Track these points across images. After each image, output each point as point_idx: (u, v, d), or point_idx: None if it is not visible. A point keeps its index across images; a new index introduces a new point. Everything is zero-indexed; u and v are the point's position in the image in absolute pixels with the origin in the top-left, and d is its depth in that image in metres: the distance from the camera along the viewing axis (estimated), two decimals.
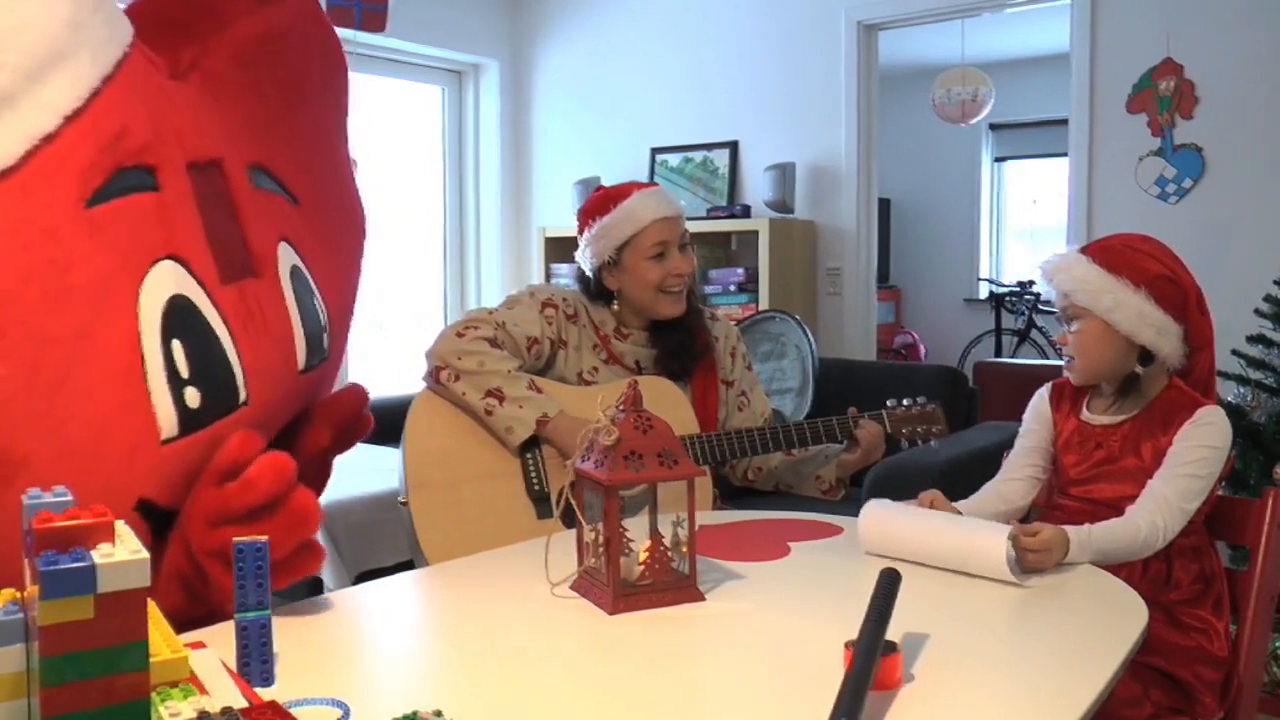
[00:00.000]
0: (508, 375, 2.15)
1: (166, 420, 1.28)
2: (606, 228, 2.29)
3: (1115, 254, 1.86)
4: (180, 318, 1.31)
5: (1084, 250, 1.90)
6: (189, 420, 1.31)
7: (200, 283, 1.35)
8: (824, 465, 2.32)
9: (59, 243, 1.21)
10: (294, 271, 1.53)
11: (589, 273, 2.35)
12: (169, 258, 1.32)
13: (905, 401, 2.26)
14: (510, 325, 2.23)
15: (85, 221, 1.23)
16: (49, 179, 1.20)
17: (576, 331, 2.33)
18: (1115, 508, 1.81)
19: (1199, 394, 1.88)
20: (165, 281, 1.30)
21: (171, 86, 1.43)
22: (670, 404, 2.22)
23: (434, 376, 2.19)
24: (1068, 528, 1.67)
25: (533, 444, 2.18)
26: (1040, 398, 2.04)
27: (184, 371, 1.30)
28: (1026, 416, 2.05)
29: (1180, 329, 1.84)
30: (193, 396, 1.30)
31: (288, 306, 1.49)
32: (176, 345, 1.30)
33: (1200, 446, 1.80)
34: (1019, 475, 1.99)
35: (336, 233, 1.69)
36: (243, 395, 1.38)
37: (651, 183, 2.37)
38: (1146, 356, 1.85)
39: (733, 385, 2.43)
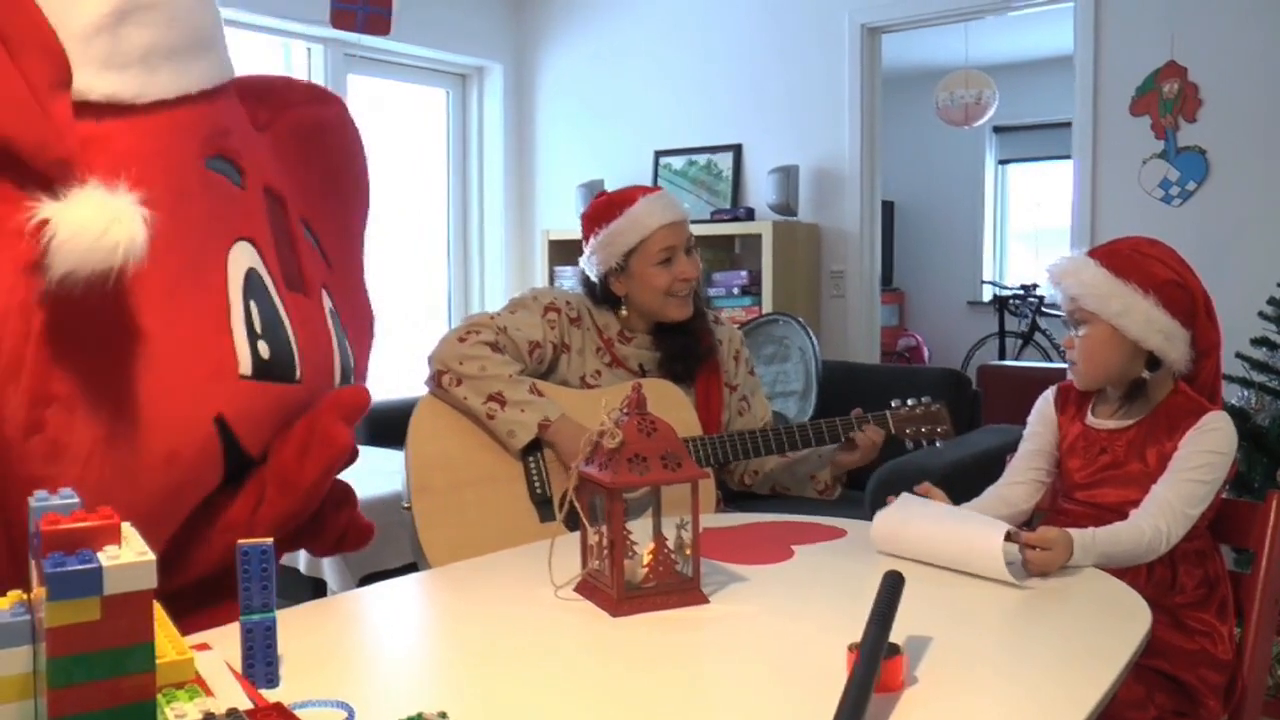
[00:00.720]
0: (509, 379, 2.16)
1: (244, 359, 1.47)
2: (612, 234, 2.29)
3: (1124, 258, 1.86)
4: (256, 287, 1.52)
5: (1092, 253, 1.90)
6: (261, 368, 1.50)
7: (268, 272, 1.56)
8: (819, 466, 2.32)
9: (186, 177, 1.46)
10: (331, 313, 1.72)
11: (595, 279, 2.35)
12: (248, 240, 1.54)
13: (910, 401, 2.26)
14: (512, 330, 2.23)
15: (203, 174, 1.49)
16: (186, 126, 1.47)
17: (580, 335, 2.33)
18: (1119, 513, 1.80)
19: (1205, 399, 1.88)
20: (245, 255, 1.52)
21: (253, 129, 1.70)
22: (673, 407, 2.22)
23: (436, 381, 2.19)
24: (1071, 530, 1.67)
25: (535, 448, 2.18)
26: (1045, 401, 2.03)
27: (259, 327, 1.50)
28: (1031, 420, 2.05)
29: (1188, 334, 1.84)
30: (264, 349, 1.50)
31: (330, 329, 1.68)
32: (253, 305, 1.50)
33: (1205, 452, 1.80)
34: (1023, 479, 1.99)
35: (355, 313, 1.87)
36: (298, 373, 1.56)
37: (654, 186, 2.36)
38: (1153, 361, 1.85)
39: (735, 389, 2.43)
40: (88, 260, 1.21)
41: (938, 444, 2.27)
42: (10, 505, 1.30)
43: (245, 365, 1.47)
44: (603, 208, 2.35)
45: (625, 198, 2.33)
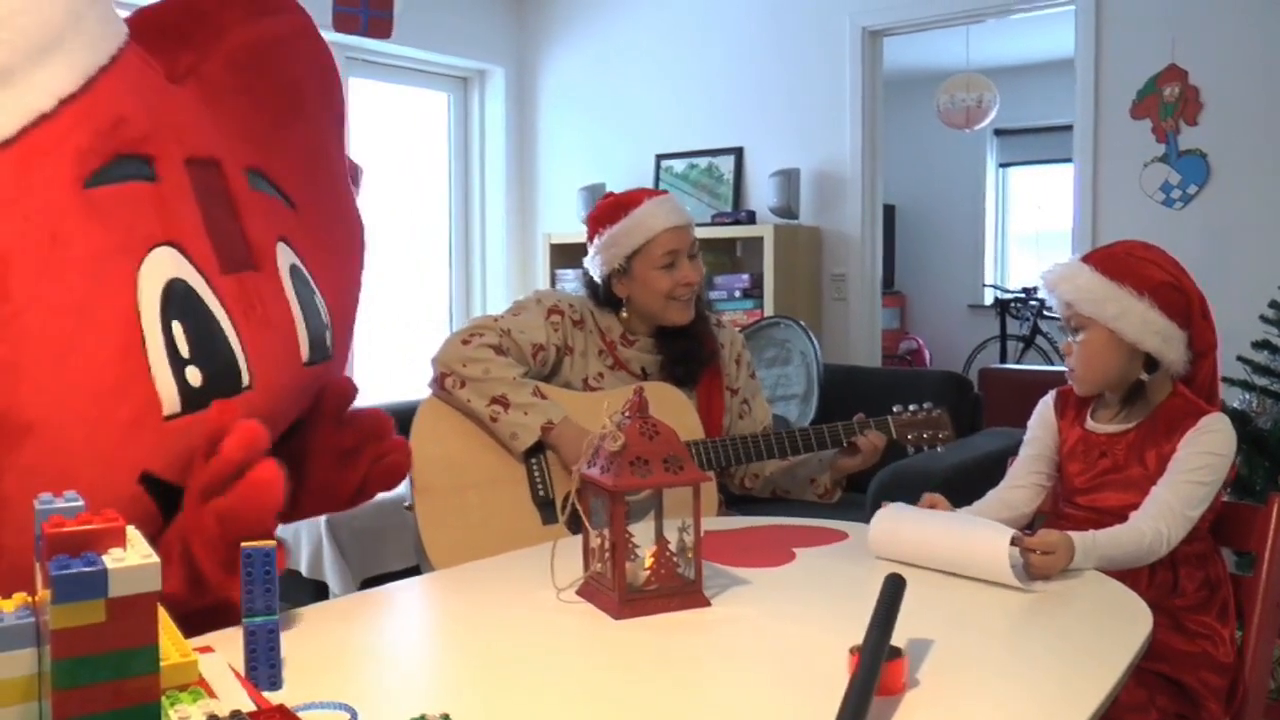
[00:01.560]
0: (513, 382, 2.16)
1: (168, 396, 1.31)
2: (616, 236, 2.29)
3: (1118, 262, 1.86)
4: (179, 300, 1.34)
5: (1086, 259, 1.90)
6: (191, 398, 1.33)
7: (199, 270, 1.38)
8: (819, 469, 2.33)
9: (56, 217, 1.24)
10: (293, 269, 1.56)
11: (598, 280, 2.35)
12: (167, 244, 1.35)
13: (911, 407, 2.26)
14: (516, 332, 2.23)
15: (83, 200, 1.26)
16: (45, 156, 1.23)
17: (583, 337, 2.33)
18: (1121, 517, 1.80)
19: (1203, 400, 1.88)
20: (163, 265, 1.33)
21: (169, 88, 1.47)
22: (675, 410, 2.22)
23: (439, 383, 2.19)
24: (1072, 533, 1.67)
25: (538, 450, 2.18)
26: (1045, 406, 2.04)
27: (184, 351, 1.32)
28: (1031, 424, 2.05)
29: (1184, 335, 1.85)
30: (194, 375, 1.33)
31: (288, 299, 1.52)
32: (176, 326, 1.32)
33: (1204, 453, 1.80)
34: (1024, 483, 2.00)
35: (335, 241, 1.72)
36: (246, 379, 1.41)
37: (660, 190, 2.37)
38: (1151, 364, 1.85)
39: (736, 393, 2.43)
40: None
41: (939, 449, 2.27)
42: None
43: (170, 403, 1.31)
44: (608, 209, 2.35)
45: (631, 199, 2.34)
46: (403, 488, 2.22)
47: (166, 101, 1.44)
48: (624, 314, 2.35)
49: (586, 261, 2.39)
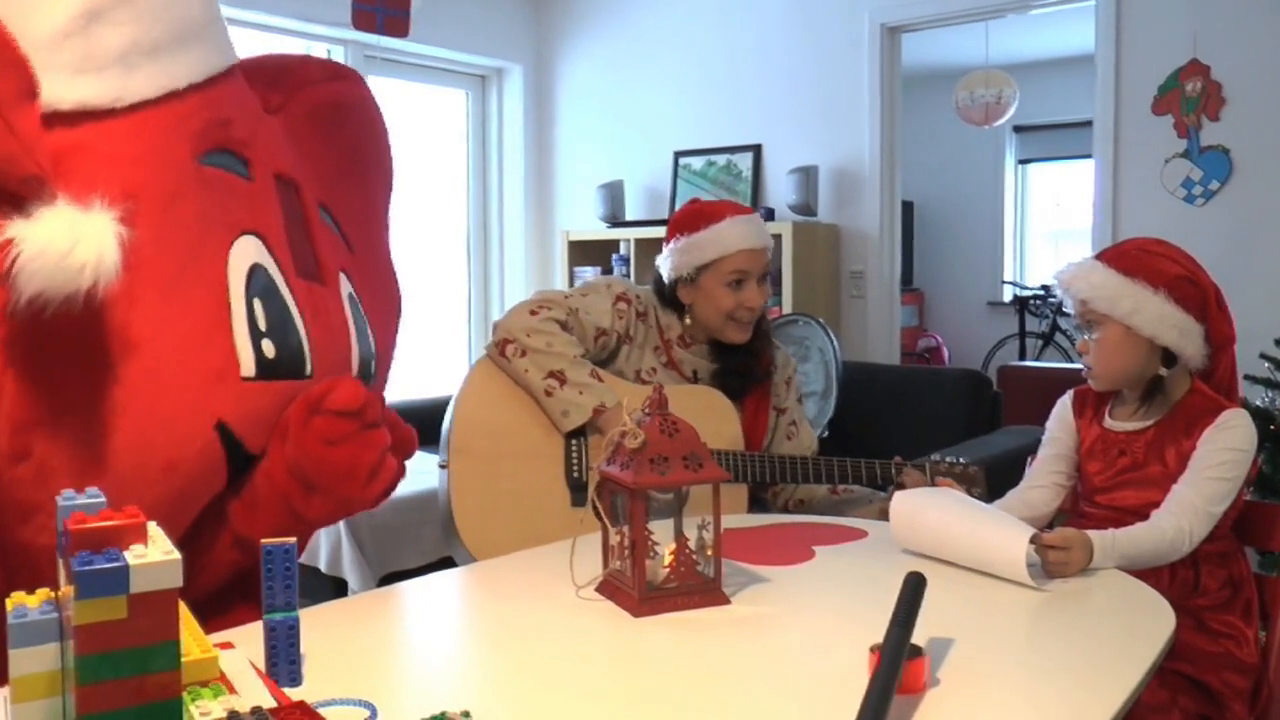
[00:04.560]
0: (573, 360, 2.18)
1: (246, 359, 1.43)
2: (692, 245, 2.29)
3: (1131, 258, 1.85)
4: (260, 283, 1.48)
5: (1099, 257, 1.90)
6: (265, 367, 1.45)
7: (278, 265, 1.52)
8: (867, 507, 2.32)
9: (178, 176, 1.40)
10: (350, 298, 1.69)
11: (666, 281, 2.36)
12: (254, 233, 1.50)
13: (949, 459, 2.27)
14: (583, 313, 2.26)
15: (197, 171, 1.43)
16: (174, 124, 1.41)
17: (643, 330, 2.35)
18: (1141, 515, 1.79)
19: (1222, 396, 1.87)
20: (250, 250, 1.48)
21: (264, 113, 1.65)
22: (721, 417, 2.25)
23: (500, 349, 2.21)
24: (1091, 532, 1.66)
25: (580, 432, 2.19)
26: (1063, 405, 2.03)
27: (262, 325, 1.46)
28: (1049, 424, 2.04)
29: (1201, 329, 1.84)
30: (269, 348, 1.46)
31: (347, 318, 1.65)
32: (257, 303, 1.46)
33: (1225, 450, 1.79)
34: (1043, 482, 1.99)
35: (379, 296, 1.84)
36: (309, 368, 1.52)
37: (747, 208, 2.37)
38: (1169, 358, 1.84)
39: (785, 413, 2.43)
40: (54, 281, 1.16)
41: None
42: (2, 526, 1.29)
43: (248, 366, 1.43)
44: (689, 216, 2.35)
45: (715, 212, 2.33)
46: (441, 442, 2.22)
47: (263, 121, 1.62)
48: (686, 320, 2.35)
49: (659, 260, 2.39)
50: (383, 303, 1.85)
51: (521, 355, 2.18)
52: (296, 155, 1.68)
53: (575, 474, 2.20)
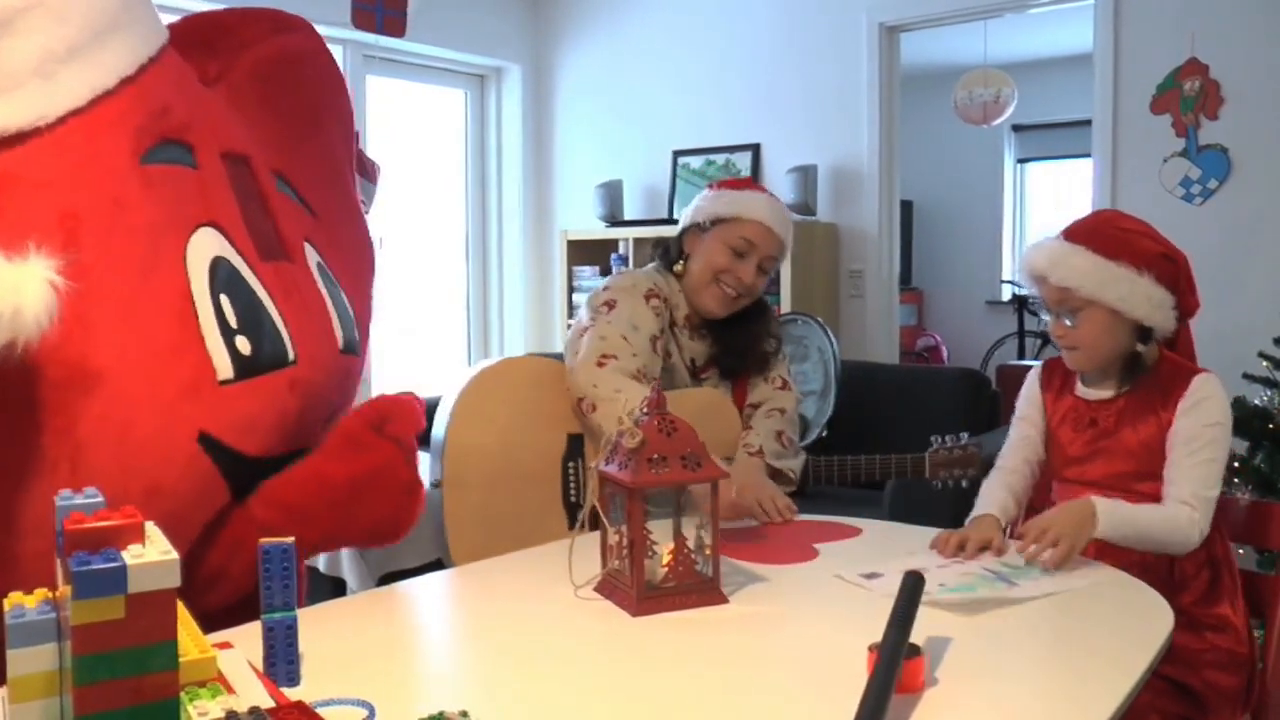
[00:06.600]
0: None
1: (222, 362, 1.37)
2: (719, 197, 2.33)
3: (1109, 239, 1.83)
4: (225, 277, 1.40)
5: (1071, 238, 1.86)
6: (244, 365, 1.40)
7: (240, 253, 1.44)
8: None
9: (119, 183, 1.32)
10: (320, 267, 1.62)
11: (682, 226, 2.38)
12: (210, 225, 1.41)
13: (948, 442, 2.27)
14: (633, 333, 2.18)
15: (140, 173, 1.34)
16: (110, 127, 1.32)
17: (668, 316, 2.34)
18: (1108, 488, 1.80)
19: (1187, 360, 1.88)
20: (208, 244, 1.40)
21: (202, 88, 1.55)
22: (723, 423, 2.25)
23: (578, 405, 2.15)
24: (1094, 498, 1.66)
25: (575, 455, 2.19)
26: (1031, 380, 2.04)
27: (233, 322, 1.39)
28: (1019, 403, 2.05)
29: (1174, 299, 1.84)
30: (244, 344, 1.40)
31: (321, 292, 1.59)
32: (224, 299, 1.39)
33: (1207, 427, 1.80)
34: (1019, 467, 1.99)
35: (350, 253, 1.77)
36: (291, 354, 1.47)
37: (779, 199, 2.38)
38: (1144, 333, 1.84)
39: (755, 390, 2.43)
40: None
41: (964, 484, 2.30)
42: None
43: (224, 369, 1.37)
44: (731, 181, 2.45)
45: (753, 185, 2.41)
46: (430, 465, 2.20)
47: (202, 99, 1.52)
48: (678, 268, 2.35)
49: (682, 210, 2.42)
50: (353, 261, 1.78)
51: (594, 410, 2.09)
52: (243, 126, 1.58)
53: (573, 498, 2.19)
